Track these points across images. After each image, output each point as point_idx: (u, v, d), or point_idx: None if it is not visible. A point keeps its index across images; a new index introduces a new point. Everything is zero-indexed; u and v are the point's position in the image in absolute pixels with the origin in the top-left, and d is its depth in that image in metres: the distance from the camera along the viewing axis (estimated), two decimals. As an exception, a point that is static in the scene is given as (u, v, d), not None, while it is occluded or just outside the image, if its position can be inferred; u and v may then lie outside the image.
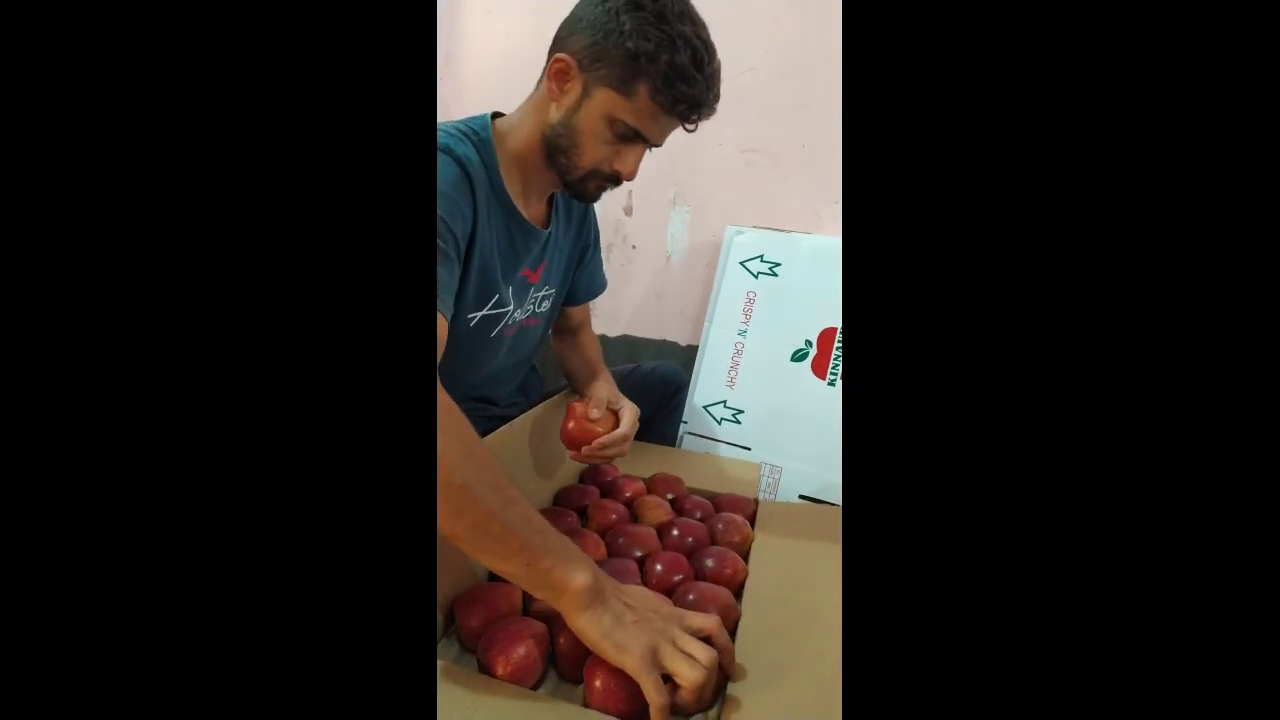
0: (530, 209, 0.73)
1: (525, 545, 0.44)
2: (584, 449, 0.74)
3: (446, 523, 0.43)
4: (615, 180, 0.67)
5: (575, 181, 0.67)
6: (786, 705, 0.46)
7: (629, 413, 0.77)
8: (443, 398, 0.45)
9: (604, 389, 0.81)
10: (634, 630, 0.44)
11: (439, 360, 0.55)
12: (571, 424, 0.75)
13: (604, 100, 0.61)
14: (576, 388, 0.88)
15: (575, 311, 0.92)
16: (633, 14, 0.58)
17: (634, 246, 1.39)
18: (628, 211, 1.38)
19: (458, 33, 1.42)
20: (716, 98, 0.64)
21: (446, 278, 0.57)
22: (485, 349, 0.74)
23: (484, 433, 0.73)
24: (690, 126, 0.64)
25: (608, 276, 0.97)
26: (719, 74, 0.63)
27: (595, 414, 0.75)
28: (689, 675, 0.42)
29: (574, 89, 0.63)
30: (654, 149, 0.67)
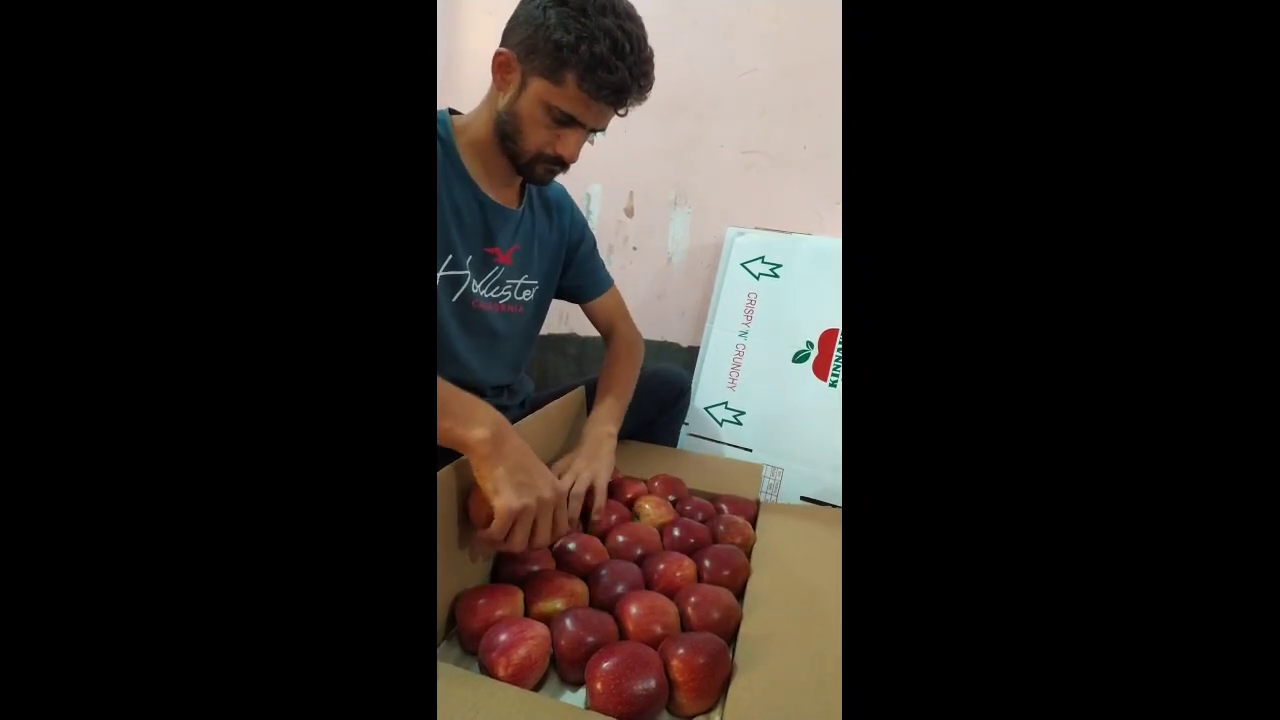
0: (495, 191, 0.78)
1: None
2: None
3: None
4: (559, 162, 0.73)
5: (524, 165, 0.74)
6: (787, 705, 0.46)
7: (569, 476, 0.69)
8: None
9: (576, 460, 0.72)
10: (513, 490, 0.54)
11: None
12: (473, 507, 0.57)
13: (539, 89, 0.68)
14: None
15: (597, 313, 0.96)
16: (557, 8, 0.64)
17: (635, 248, 1.39)
18: (629, 213, 1.38)
19: (458, 33, 1.42)
20: (645, 85, 0.69)
21: None
22: (449, 316, 0.76)
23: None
24: (622, 112, 0.71)
25: (609, 278, 0.98)
26: (648, 62, 0.69)
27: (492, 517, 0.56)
28: (543, 536, 0.56)
29: (514, 80, 0.69)
30: (597, 134, 0.73)
